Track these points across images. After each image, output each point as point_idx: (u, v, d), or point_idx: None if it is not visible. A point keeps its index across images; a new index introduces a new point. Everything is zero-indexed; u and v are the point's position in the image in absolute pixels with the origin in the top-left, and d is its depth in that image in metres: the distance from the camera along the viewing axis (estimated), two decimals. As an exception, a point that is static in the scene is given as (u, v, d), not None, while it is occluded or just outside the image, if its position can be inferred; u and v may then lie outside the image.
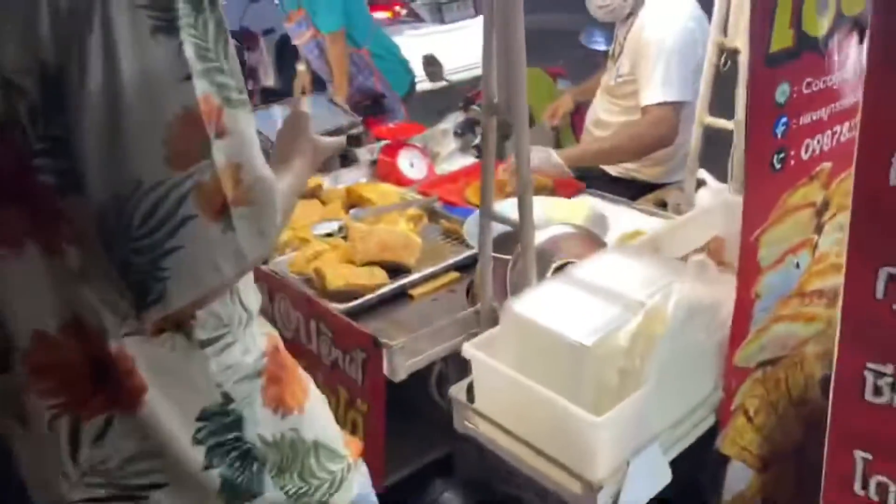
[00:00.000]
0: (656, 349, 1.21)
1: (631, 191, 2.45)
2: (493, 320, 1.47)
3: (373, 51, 3.65)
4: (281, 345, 1.04)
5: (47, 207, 0.81)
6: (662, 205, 2.37)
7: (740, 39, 1.85)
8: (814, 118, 1.29)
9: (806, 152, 1.30)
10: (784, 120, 1.26)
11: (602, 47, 3.75)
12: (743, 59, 1.84)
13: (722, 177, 2.11)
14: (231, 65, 0.82)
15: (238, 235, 0.82)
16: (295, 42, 3.81)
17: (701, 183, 2.11)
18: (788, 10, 1.22)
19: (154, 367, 0.88)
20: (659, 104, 2.34)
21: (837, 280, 1.51)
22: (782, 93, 1.25)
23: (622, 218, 2.07)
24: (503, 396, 1.31)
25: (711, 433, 1.41)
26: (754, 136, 1.23)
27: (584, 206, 2.00)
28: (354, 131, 2.59)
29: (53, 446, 0.89)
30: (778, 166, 1.27)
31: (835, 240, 1.43)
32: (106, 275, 0.81)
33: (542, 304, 1.33)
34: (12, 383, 0.89)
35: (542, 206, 1.96)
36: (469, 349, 1.33)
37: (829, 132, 1.32)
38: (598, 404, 1.22)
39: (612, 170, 2.62)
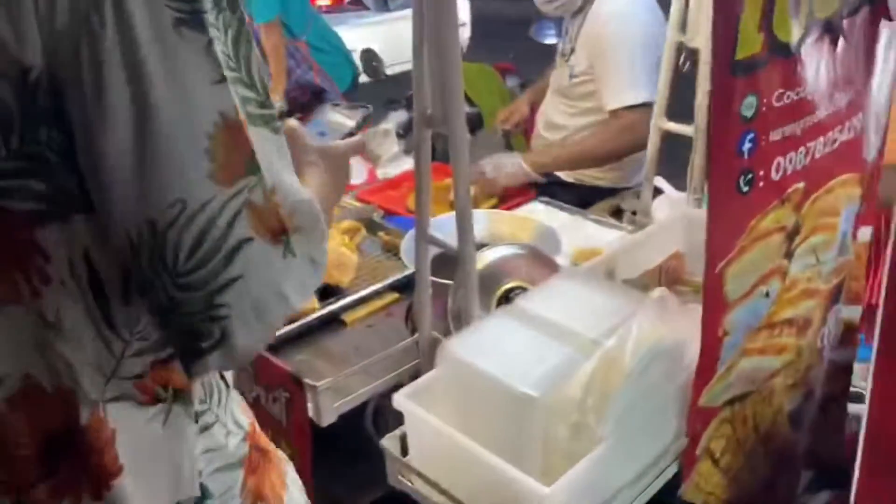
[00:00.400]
0: (613, 402, 1.06)
1: (584, 196, 2.30)
2: (434, 353, 1.31)
3: (312, 43, 3.44)
4: (256, 422, 0.88)
5: (18, 238, 0.65)
6: (617, 211, 2.23)
7: (700, 39, 1.70)
8: (785, 134, 1.15)
9: (777, 172, 1.15)
10: (751, 136, 1.11)
11: (555, 41, 3.60)
12: (704, 60, 1.69)
13: (680, 182, 1.98)
14: (254, 75, 0.67)
15: (299, 263, 0.68)
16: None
17: (658, 191, 1.97)
18: (758, 11, 1.07)
19: (137, 445, 0.71)
20: (630, 108, 2.18)
21: (809, 306, 1.39)
22: (749, 106, 1.10)
23: (575, 229, 1.92)
24: (440, 453, 1.15)
25: (675, 480, 1.28)
26: (717, 155, 1.08)
27: (532, 220, 1.84)
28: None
29: None
30: (745, 189, 1.12)
31: (806, 264, 1.30)
32: (89, 324, 0.67)
33: (484, 345, 1.17)
34: None
35: (488, 221, 1.81)
36: (400, 400, 1.16)
37: (802, 149, 1.18)
38: (547, 463, 1.07)
39: (565, 174, 2.46)
